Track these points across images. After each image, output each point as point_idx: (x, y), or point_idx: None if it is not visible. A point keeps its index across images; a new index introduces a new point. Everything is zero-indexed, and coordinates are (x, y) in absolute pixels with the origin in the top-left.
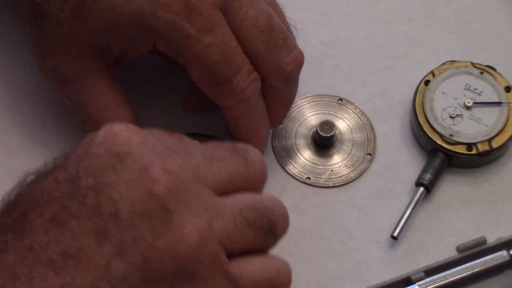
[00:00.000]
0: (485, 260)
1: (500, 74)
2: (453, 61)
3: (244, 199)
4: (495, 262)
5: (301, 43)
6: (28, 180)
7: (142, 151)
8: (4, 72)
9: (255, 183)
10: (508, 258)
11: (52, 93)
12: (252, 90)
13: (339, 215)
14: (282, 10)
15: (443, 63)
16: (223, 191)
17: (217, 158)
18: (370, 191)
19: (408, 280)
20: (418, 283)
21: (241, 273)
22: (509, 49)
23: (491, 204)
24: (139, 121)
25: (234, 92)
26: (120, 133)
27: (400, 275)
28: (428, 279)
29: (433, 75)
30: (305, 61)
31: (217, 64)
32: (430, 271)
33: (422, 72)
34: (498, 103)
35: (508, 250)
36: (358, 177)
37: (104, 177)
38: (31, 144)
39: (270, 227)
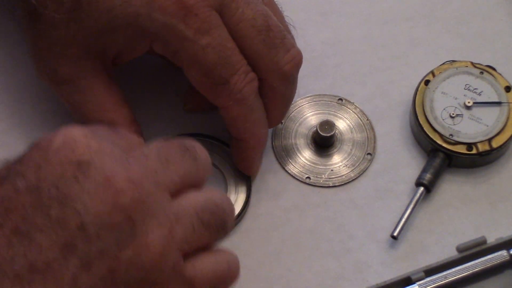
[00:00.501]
0: (485, 260)
1: (500, 74)
2: (453, 61)
3: (197, 199)
4: (495, 262)
5: (301, 43)
6: None
7: (103, 159)
8: (4, 72)
9: (202, 180)
10: (508, 258)
11: (52, 93)
12: (250, 90)
13: (339, 215)
14: (281, 9)
15: (443, 63)
16: (177, 192)
17: (171, 161)
18: (370, 191)
19: (408, 280)
20: (418, 283)
21: (195, 273)
22: (509, 49)
23: (491, 204)
24: (138, 121)
25: (231, 92)
26: (79, 139)
27: (400, 275)
28: (428, 279)
29: (433, 75)
30: (305, 61)
31: (214, 66)
32: (430, 271)
33: (422, 72)
34: (498, 103)
35: (508, 250)
36: (358, 177)
37: (67, 188)
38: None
39: (222, 225)
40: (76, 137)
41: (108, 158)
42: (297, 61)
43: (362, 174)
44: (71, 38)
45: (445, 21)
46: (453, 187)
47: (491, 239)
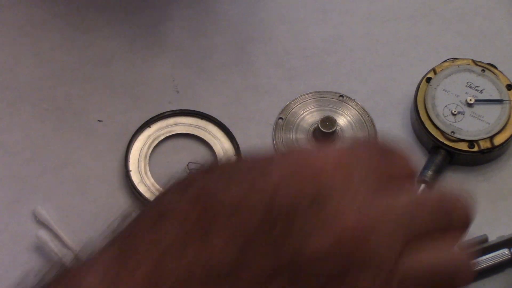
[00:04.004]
0: (486, 258)
1: (501, 72)
2: (455, 58)
3: (424, 259)
4: (496, 260)
5: (302, 40)
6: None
7: (343, 197)
8: (4, 72)
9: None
10: (509, 256)
11: (52, 93)
12: None
13: None
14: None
15: (445, 61)
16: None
17: (419, 215)
18: None
19: None
20: None
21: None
22: (509, 48)
23: (493, 202)
24: None
25: None
26: (329, 164)
27: None
28: None
29: (435, 72)
30: (306, 57)
31: None
32: None
33: (422, 70)
34: (500, 101)
35: (509, 248)
36: None
37: (296, 216)
38: (31, 144)
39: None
40: (329, 160)
41: (348, 196)
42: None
43: None
44: None
45: (446, 19)
46: (454, 185)
47: (493, 237)
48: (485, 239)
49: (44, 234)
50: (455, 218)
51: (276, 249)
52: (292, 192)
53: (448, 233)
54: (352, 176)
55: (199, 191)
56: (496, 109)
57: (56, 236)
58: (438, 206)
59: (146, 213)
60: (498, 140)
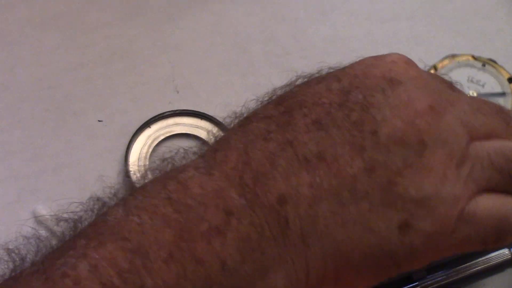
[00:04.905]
0: (486, 258)
1: (501, 66)
2: (454, 55)
3: (493, 144)
4: (496, 260)
5: (301, 40)
6: (299, 81)
7: (415, 85)
8: (4, 72)
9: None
10: (509, 256)
11: (52, 93)
12: None
13: None
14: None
15: (444, 57)
16: (476, 139)
17: (482, 112)
18: None
19: (410, 278)
20: (419, 281)
21: (476, 210)
22: (509, 47)
23: None
24: None
25: None
26: (399, 62)
27: (402, 273)
28: (429, 277)
29: (435, 69)
30: (305, 58)
31: None
32: (431, 269)
33: (422, 68)
34: (503, 94)
35: (509, 248)
36: None
37: (372, 97)
38: (31, 144)
39: None
40: (397, 60)
41: (420, 85)
42: None
43: None
44: None
45: (446, 19)
46: None
47: None
48: None
49: (43, 234)
50: None
51: (355, 128)
52: (367, 82)
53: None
54: (424, 73)
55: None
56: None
57: (56, 236)
58: (500, 108)
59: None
60: None
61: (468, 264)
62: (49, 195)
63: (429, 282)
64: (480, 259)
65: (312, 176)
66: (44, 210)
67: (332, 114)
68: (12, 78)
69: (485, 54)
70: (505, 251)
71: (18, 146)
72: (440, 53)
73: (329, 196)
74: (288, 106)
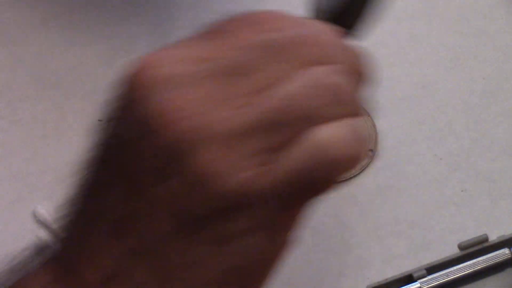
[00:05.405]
0: (487, 258)
1: None
2: None
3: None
4: (497, 260)
5: None
6: None
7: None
8: (4, 71)
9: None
10: (510, 255)
11: (52, 93)
12: None
13: (340, 211)
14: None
15: None
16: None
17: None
18: (372, 188)
19: (410, 278)
20: (419, 280)
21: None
22: (509, 47)
23: (493, 201)
24: None
25: None
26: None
27: (402, 272)
28: (429, 277)
29: None
30: None
31: None
32: (432, 269)
33: (423, 69)
34: None
35: (510, 247)
36: (360, 173)
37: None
38: (31, 144)
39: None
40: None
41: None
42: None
43: (363, 170)
44: None
45: (446, 19)
46: (455, 184)
47: (493, 237)
48: (485, 239)
49: (44, 235)
50: None
51: None
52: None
53: None
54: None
55: None
56: None
57: (56, 236)
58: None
59: None
60: None
61: (468, 263)
62: (49, 195)
63: (429, 282)
64: (481, 258)
65: None
66: (44, 210)
67: None
68: (12, 78)
69: (485, 54)
70: (505, 250)
71: (18, 146)
72: (440, 52)
73: None
74: None
